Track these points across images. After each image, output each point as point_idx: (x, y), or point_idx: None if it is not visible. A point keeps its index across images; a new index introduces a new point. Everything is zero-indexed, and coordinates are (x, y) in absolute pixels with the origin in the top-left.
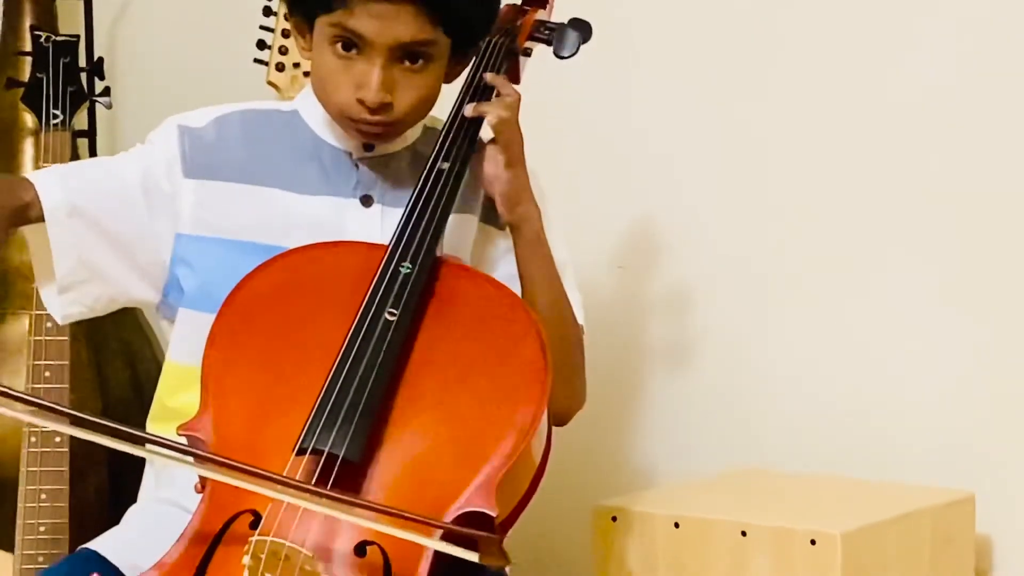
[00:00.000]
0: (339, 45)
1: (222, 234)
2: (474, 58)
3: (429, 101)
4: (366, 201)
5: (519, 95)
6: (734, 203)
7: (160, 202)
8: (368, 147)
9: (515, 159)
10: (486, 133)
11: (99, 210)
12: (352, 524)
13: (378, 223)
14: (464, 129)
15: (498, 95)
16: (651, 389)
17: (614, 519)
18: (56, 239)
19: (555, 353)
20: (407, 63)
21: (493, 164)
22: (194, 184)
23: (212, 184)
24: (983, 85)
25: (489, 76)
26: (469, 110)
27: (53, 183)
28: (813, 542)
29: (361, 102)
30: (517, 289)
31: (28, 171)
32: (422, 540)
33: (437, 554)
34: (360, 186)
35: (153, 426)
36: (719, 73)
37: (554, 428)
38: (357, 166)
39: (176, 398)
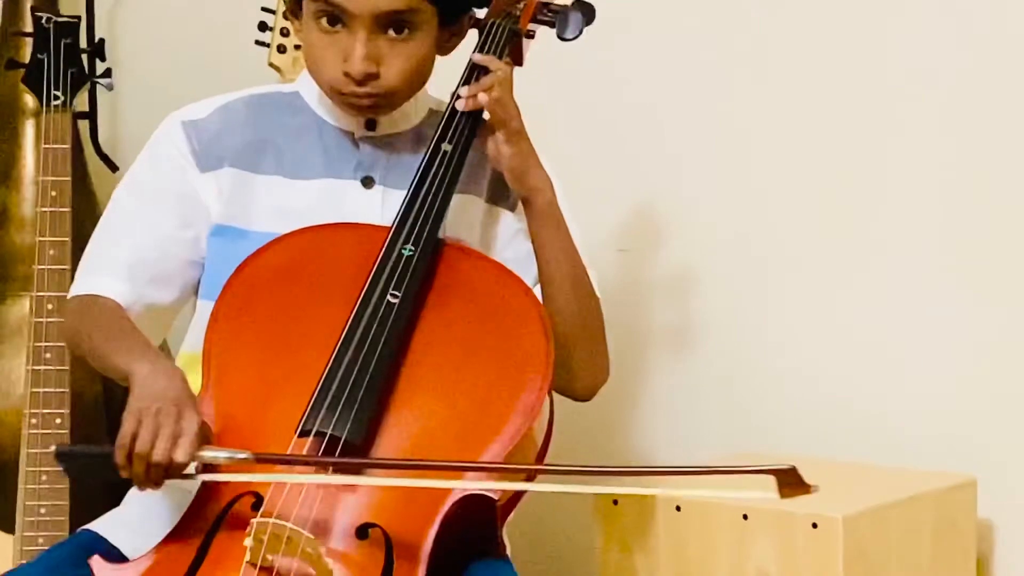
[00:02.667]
0: (323, 20)
1: (229, 222)
2: (477, 40)
3: (419, 71)
4: (367, 183)
5: (509, 69)
6: (736, 187)
7: (193, 212)
8: (370, 126)
9: (514, 132)
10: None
11: (160, 277)
12: (353, 507)
13: (379, 205)
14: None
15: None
16: (653, 373)
17: (616, 502)
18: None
19: (576, 326)
20: (392, 33)
21: (493, 141)
22: (211, 176)
23: (222, 172)
24: (988, 73)
25: (477, 56)
26: (460, 104)
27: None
28: (815, 526)
29: (347, 75)
30: (530, 270)
31: (28, 152)
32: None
33: (439, 535)
34: (361, 167)
35: None
36: (721, 55)
37: (556, 413)
38: (358, 146)
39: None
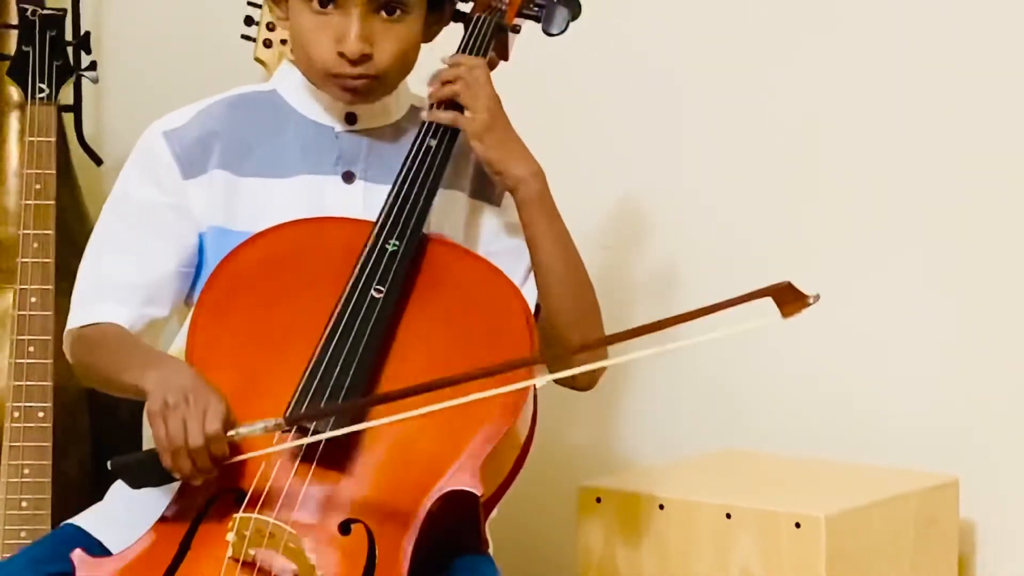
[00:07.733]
0: (315, 2)
1: (216, 223)
2: (463, 34)
3: (409, 55)
4: (348, 177)
5: (477, 62)
6: (720, 184)
7: (182, 223)
8: (350, 119)
9: (489, 125)
10: None
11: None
12: (337, 503)
13: (360, 200)
14: (450, 105)
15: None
16: (638, 370)
17: (599, 500)
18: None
19: (573, 315)
20: (384, 14)
21: (472, 135)
22: (194, 183)
23: (210, 176)
24: (987, 79)
25: (446, 58)
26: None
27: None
28: (798, 525)
29: (342, 55)
30: (520, 262)
31: (12, 145)
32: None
33: (421, 530)
34: (341, 162)
35: None
36: (710, 50)
37: (539, 409)
38: (338, 139)
39: None
